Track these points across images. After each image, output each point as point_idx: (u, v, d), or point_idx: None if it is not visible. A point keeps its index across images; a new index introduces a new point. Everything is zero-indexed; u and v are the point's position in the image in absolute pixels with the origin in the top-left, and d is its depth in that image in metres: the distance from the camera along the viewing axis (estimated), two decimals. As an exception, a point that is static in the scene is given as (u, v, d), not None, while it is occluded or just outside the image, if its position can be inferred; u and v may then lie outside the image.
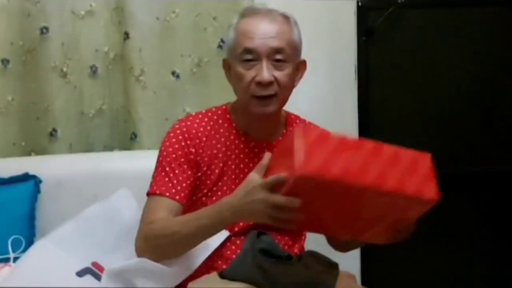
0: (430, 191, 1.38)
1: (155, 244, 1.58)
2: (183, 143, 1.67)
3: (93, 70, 2.30)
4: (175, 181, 1.64)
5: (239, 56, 1.61)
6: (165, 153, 1.68)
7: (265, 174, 1.40)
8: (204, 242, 1.59)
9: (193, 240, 1.56)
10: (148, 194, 1.68)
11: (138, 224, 1.67)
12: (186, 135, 1.68)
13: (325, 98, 2.26)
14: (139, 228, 1.64)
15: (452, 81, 2.60)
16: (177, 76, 2.32)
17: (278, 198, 1.35)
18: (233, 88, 1.70)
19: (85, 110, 2.31)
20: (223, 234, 1.66)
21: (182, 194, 1.64)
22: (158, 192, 1.64)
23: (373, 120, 2.51)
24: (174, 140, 1.69)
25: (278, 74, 1.61)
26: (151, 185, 1.68)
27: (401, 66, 2.56)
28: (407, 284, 2.65)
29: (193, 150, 1.68)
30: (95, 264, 1.77)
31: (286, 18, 1.64)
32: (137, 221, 1.71)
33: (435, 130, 2.63)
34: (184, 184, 1.65)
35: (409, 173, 1.37)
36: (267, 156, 1.43)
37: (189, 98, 2.33)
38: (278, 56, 1.61)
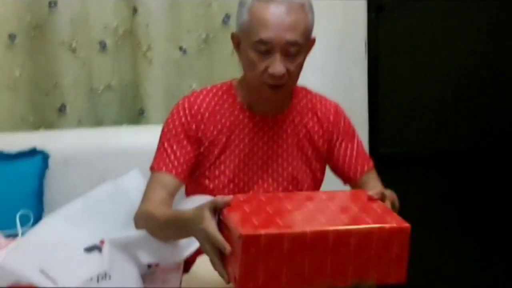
0: (396, 275, 1.34)
1: (145, 228, 1.63)
2: (183, 120, 1.69)
3: (102, 46, 2.29)
4: (172, 157, 1.67)
5: (252, 44, 1.59)
6: (165, 130, 1.71)
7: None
8: None
9: (169, 236, 1.61)
10: (150, 170, 1.71)
11: None
12: (187, 111, 1.70)
13: (335, 72, 2.24)
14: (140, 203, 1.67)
15: (462, 55, 2.58)
16: (184, 52, 2.31)
17: (218, 237, 1.32)
18: (242, 65, 1.69)
19: (94, 86, 2.31)
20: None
21: (180, 169, 1.66)
22: (156, 168, 1.68)
23: (382, 94, 2.50)
24: (175, 117, 1.70)
25: (290, 65, 1.60)
26: (152, 161, 1.71)
27: (410, 41, 2.55)
28: (414, 258, 2.65)
29: (194, 126, 1.69)
30: (103, 242, 1.77)
31: (301, 4, 1.60)
32: None
33: (443, 104, 2.62)
34: (182, 160, 1.67)
35: (375, 260, 1.31)
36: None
37: (195, 74, 2.32)
38: (292, 49, 1.58)
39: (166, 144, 1.69)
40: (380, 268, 1.33)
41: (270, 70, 1.58)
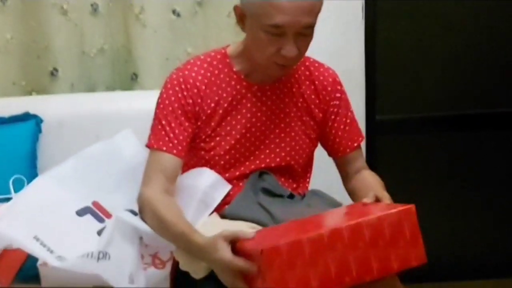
0: (417, 257, 1.39)
1: (151, 225, 1.60)
2: (179, 95, 1.64)
3: (94, 8, 2.25)
4: (171, 135, 1.62)
5: (265, 26, 1.52)
6: (161, 106, 1.65)
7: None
8: (207, 197, 1.60)
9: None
10: (147, 147, 1.66)
11: (140, 164, 1.67)
12: (183, 86, 1.64)
13: (332, 35, 2.21)
14: (142, 181, 1.63)
15: (464, 17, 2.54)
16: (178, 15, 2.27)
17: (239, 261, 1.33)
18: (247, 42, 1.63)
19: (86, 50, 2.27)
20: (225, 188, 1.65)
21: (180, 148, 1.62)
22: (155, 146, 1.63)
23: (379, 58, 2.47)
24: (171, 92, 1.65)
25: (302, 45, 1.56)
26: (149, 138, 1.66)
27: (409, 3, 2.51)
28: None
29: (191, 101, 1.64)
30: (95, 203, 1.77)
31: None
32: (139, 161, 1.71)
33: (441, 70, 2.60)
34: (181, 137, 1.63)
35: (393, 245, 1.36)
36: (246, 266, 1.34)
37: (190, 37, 2.28)
38: (307, 31, 1.55)
39: (164, 122, 1.63)
40: (399, 253, 1.37)
41: (283, 53, 1.53)
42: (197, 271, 1.48)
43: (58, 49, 2.23)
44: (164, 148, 1.61)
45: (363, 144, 1.80)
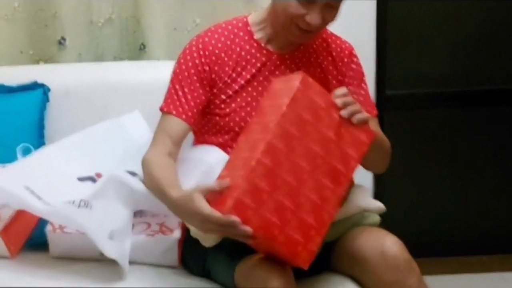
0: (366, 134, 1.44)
1: (143, 178, 1.64)
2: (197, 61, 1.65)
3: (102, -25, 2.23)
4: (183, 100, 1.63)
5: None
6: (178, 71, 1.66)
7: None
8: (211, 171, 1.60)
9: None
10: (160, 110, 1.67)
11: (146, 145, 1.67)
12: (202, 52, 1.65)
13: (343, 9, 2.18)
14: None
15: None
16: (187, -16, 2.25)
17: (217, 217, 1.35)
18: (273, 5, 1.62)
19: (94, 19, 2.24)
20: (223, 159, 1.64)
21: (190, 113, 1.63)
22: (166, 110, 1.65)
23: (389, 33, 2.45)
24: (188, 57, 1.66)
25: (328, 15, 1.56)
26: (163, 101, 1.67)
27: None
28: (419, 198, 2.67)
29: (207, 68, 1.64)
30: (98, 174, 1.77)
31: None
32: (145, 142, 1.71)
33: (452, 46, 2.57)
34: (192, 103, 1.63)
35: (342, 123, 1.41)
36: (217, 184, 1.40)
37: (199, 8, 2.25)
38: (335, 3, 1.55)
39: (177, 86, 1.65)
40: (351, 130, 1.41)
41: (308, 19, 1.54)
42: (207, 239, 1.49)
43: (65, 18, 2.20)
44: (174, 112, 1.63)
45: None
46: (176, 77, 1.66)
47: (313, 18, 1.53)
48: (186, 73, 1.65)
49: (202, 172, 1.63)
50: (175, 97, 1.64)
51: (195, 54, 1.65)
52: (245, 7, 2.13)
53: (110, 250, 1.59)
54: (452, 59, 2.59)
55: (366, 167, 1.67)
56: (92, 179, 1.75)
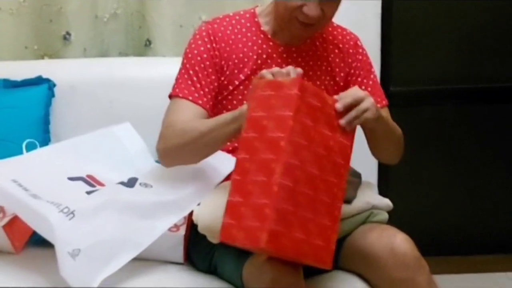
0: None
1: (174, 144, 1.55)
2: (208, 46, 1.63)
3: (107, -30, 2.22)
4: (198, 85, 1.60)
5: None
6: (190, 55, 1.64)
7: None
8: (214, 169, 1.57)
9: (211, 138, 1.50)
10: (170, 97, 1.64)
11: (139, 152, 1.68)
12: (212, 38, 1.64)
13: (349, 7, 2.17)
14: (160, 131, 1.61)
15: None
16: (194, -20, 2.24)
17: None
18: None
19: (99, 14, 2.24)
20: (233, 162, 1.63)
21: (205, 99, 1.60)
22: (181, 95, 1.61)
23: (394, 30, 2.44)
24: (200, 42, 1.64)
25: (327, 8, 1.54)
26: (173, 88, 1.64)
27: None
28: (423, 196, 2.66)
29: (218, 54, 1.63)
30: (90, 176, 1.73)
31: None
32: (138, 150, 1.72)
33: (456, 43, 2.57)
34: (207, 89, 1.61)
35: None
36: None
37: (205, 5, 2.25)
38: None
39: (191, 71, 1.62)
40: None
41: (305, 10, 1.53)
42: (216, 235, 1.47)
43: (70, 13, 2.20)
44: (190, 98, 1.59)
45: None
46: (188, 62, 1.63)
47: (310, 8, 1.52)
48: (198, 58, 1.62)
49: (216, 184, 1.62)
50: (189, 82, 1.61)
51: (206, 39, 1.64)
52: (252, 4, 2.12)
53: (65, 269, 1.43)
54: (456, 56, 2.59)
55: (381, 157, 1.67)
56: (83, 180, 1.71)
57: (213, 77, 1.62)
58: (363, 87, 1.71)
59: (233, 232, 1.29)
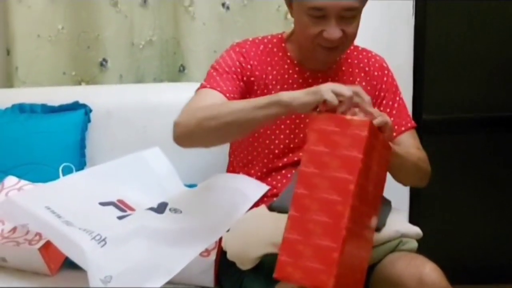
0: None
1: (197, 118, 1.48)
2: (241, 58, 1.65)
3: (144, 0, 2.27)
4: (227, 82, 1.61)
5: (306, 9, 1.54)
6: (220, 60, 1.66)
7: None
8: (244, 194, 1.58)
9: (238, 118, 1.42)
10: (200, 88, 1.64)
11: (168, 176, 1.69)
12: (246, 54, 1.66)
13: (381, 30, 2.18)
14: (183, 108, 1.57)
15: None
16: (227, 8, 2.28)
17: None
18: (294, 27, 1.64)
19: (136, 41, 2.29)
20: (263, 188, 1.65)
21: (233, 95, 1.60)
22: (208, 86, 1.61)
23: (427, 57, 2.44)
24: (233, 55, 1.66)
25: (347, 27, 1.55)
26: (200, 85, 1.65)
27: (459, 4, 2.47)
28: (455, 224, 2.63)
29: (250, 68, 1.65)
30: (120, 201, 1.75)
31: None
32: (167, 176, 1.73)
33: (490, 70, 2.55)
34: (234, 89, 1.61)
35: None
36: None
37: (238, 30, 2.29)
38: (348, 14, 1.54)
39: (220, 70, 1.62)
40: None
41: (325, 35, 1.54)
42: (245, 263, 1.48)
43: (107, 40, 2.25)
44: (219, 89, 1.59)
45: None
46: (218, 65, 1.63)
47: (330, 32, 1.53)
48: (229, 63, 1.63)
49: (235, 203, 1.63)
50: (218, 78, 1.60)
51: (239, 54, 1.65)
52: (285, 29, 2.15)
53: None
54: (489, 84, 2.57)
55: (404, 183, 1.66)
56: (114, 204, 1.73)
57: (241, 83, 1.63)
58: (389, 110, 1.72)
59: (288, 270, 1.25)
